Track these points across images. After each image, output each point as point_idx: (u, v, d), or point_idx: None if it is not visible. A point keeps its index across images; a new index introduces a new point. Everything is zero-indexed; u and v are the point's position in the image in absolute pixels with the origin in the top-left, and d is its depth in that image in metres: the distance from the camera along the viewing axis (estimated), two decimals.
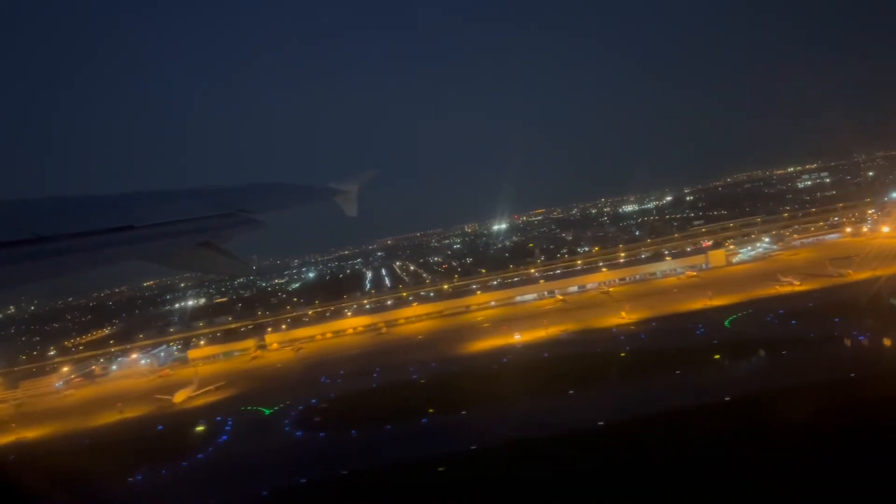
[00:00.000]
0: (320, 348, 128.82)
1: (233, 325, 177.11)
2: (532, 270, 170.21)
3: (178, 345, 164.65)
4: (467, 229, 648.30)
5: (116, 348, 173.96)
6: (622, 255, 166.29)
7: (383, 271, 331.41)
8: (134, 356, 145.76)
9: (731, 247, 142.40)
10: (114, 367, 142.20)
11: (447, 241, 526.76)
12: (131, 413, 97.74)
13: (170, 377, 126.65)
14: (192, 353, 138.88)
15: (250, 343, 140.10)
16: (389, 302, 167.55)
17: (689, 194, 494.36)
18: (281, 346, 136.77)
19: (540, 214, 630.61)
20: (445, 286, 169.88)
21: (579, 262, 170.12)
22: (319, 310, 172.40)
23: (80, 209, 7.66)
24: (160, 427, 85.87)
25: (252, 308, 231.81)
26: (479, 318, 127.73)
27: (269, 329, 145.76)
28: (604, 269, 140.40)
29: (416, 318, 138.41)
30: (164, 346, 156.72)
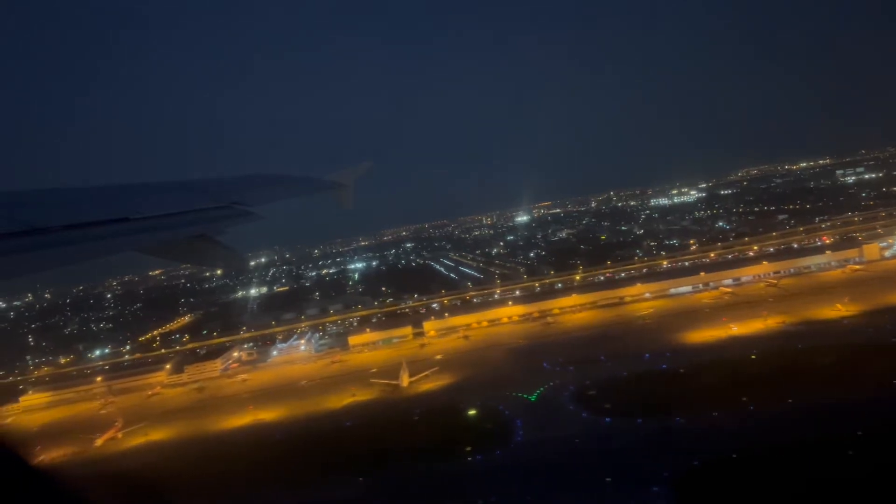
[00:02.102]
0: (489, 336, 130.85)
1: (359, 314, 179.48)
2: (663, 262, 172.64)
3: (309, 332, 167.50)
4: (486, 220, 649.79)
5: (246, 335, 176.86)
6: (753, 248, 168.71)
7: (447, 262, 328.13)
8: (295, 342, 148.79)
9: (890, 241, 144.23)
10: (274, 353, 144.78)
11: (477, 232, 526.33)
12: (363, 396, 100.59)
13: (347, 363, 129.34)
14: (353, 340, 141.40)
15: (407, 330, 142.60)
16: (517, 292, 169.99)
17: (717, 188, 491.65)
18: (439, 333, 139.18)
19: (548, 206, 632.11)
20: (576, 277, 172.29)
21: (712, 254, 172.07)
22: (447, 299, 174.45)
23: (75, 201, 7.76)
24: (417, 410, 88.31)
25: (339, 298, 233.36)
26: (648, 309, 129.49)
27: (431, 316, 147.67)
28: (764, 262, 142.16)
29: (570, 308, 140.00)
30: (309, 334, 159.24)
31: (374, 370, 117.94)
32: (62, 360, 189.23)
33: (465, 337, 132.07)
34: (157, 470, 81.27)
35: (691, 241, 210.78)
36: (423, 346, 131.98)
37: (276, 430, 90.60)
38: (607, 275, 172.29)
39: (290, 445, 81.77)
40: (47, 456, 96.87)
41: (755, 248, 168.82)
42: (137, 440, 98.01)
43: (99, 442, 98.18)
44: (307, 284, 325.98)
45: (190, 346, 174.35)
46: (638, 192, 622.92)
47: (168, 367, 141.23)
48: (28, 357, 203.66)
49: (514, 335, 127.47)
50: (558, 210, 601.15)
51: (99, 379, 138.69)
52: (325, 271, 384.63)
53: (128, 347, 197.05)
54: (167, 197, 9.65)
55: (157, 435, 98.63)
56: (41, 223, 5.99)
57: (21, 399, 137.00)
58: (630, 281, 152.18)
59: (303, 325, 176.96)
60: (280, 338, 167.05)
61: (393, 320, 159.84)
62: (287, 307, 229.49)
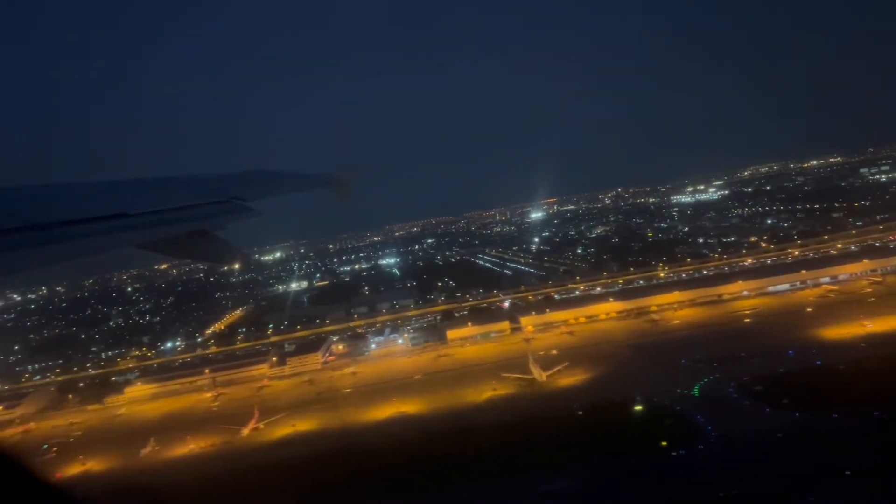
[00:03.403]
0: (596, 332, 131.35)
1: (437, 308, 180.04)
2: (748, 260, 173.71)
3: (391, 326, 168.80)
4: (500, 217, 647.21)
5: (327, 328, 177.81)
6: (837, 245, 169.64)
7: (489, 258, 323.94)
8: (390, 336, 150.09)
9: None
10: (373, 346, 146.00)
11: (498, 228, 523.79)
12: (503, 390, 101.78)
13: (454, 356, 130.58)
14: (451, 334, 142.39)
15: (504, 325, 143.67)
16: (598, 290, 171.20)
17: (734, 186, 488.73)
18: (537, 328, 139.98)
19: (554, 203, 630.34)
20: (659, 273, 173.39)
21: (795, 252, 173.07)
22: (530, 294, 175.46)
23: (73, 197, 7.75)
24: (575, 405, 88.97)
25: (391, 293, 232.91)
26: (754, 307, 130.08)
27: (532, 312, 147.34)
28: (864, 260, 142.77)
29: (668, 305, 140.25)
30: (391, 328, 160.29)
31: (488, 364, 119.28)
32: (135, 353, 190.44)
33: (571, 333, 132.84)
34: (331, 458, 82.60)
35: (752, 239, 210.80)
36: (527, 340, 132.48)
37: (429, 423, 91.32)
38: (688, 272, 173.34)
39: (460, 438, 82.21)
40: (196, 446, 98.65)
41: (839, 245, 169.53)
42: (283, 430, 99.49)
43: (245, 432, 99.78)
44: (346, 279, 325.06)
45: (273, 339, 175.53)
46: (648, 189, 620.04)
47: (274, 359, 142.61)
48: (94, 350, 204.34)
49: (622, 332, 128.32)
50: (571, 207, 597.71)
51: (207, 371, 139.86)
52: (357, 266, 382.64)
53: (199, 341, 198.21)
54: (166, 193, 9.67)
55: (303, 426, 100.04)
56: (40, 219, 6.02)
57: (126, 390, 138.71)
58: (722, 279, 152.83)
59: (379, 319, 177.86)
60: (360, 331, 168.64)
61: (478, 315, 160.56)
62: (338, 301, 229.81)
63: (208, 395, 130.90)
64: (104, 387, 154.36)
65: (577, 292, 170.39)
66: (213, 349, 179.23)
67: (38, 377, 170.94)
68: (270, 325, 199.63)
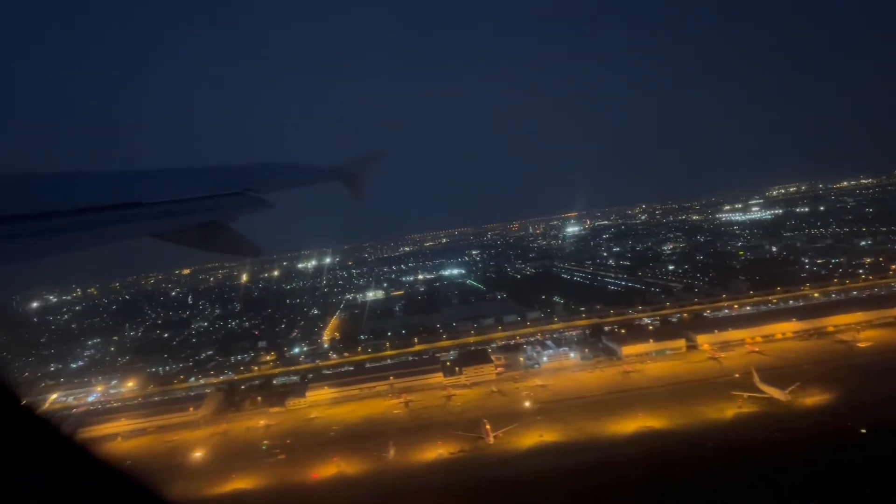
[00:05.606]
0: (787, 351, 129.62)
1: (579, 322, 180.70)
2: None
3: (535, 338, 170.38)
4: (535, 230, 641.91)
5: (469, 339, 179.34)
6: None
7: (577, 272, 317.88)
8: (562, 349, 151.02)
9: None
10: (544, 359, 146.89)
11: (542, 241, 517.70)
12: (748, 409, 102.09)
13: (643, 372, 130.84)
14: (626, 350, 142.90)
15: (681, 343, 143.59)
16: (748, 308, 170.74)
17: (779, 205, 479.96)
18: (714, 347, 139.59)
19: (575, 216, 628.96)
20: (816, 292, 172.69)
21: None
22: (671, 312, 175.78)
23: (87, 185, 7.67)
24: (848, 424, 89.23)
25: (484, 305, 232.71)
26: None
27: (715, 330, 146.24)
28: None
29: (847, 326, 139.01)
30: (564, 342, 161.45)
31: (691, 382, 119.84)
32: (267, 358, 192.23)
33: (760, 352, 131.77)
34: (608, 468, 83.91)
35: (867, 260, 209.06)
36: (714, 359, 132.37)
37: (689, 439, 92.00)
38: (835, 291, 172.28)
39: (744, 454, 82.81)
40: (445, 451, 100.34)
41: None
42: (530, 440, 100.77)
43: (490, 440, 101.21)
44: (421, 289, 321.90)
45: (418, 347, 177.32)
46: (675, 206, 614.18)
47: (457, 368, 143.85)
48: (210, 354, 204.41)
49: (817, 352, 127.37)
50: (606, 221, 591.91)
51: (391, 378, 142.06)
52: (419, 276, 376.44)
53: (325, 347, 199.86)
54: (179, 183, 9.66)
55: (548, 437, 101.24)
56: (53, 207, 6.02)
57: (307, 394, 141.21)
58: (886, 300, 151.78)
59: (520, 331, 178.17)
60: (503, 343, 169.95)
61: (634, 332, 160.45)
62: (434, 312, 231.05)
63: (395, 401, 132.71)
64: (265, 389, 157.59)
65: (728, 311, 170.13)
66: (351, 356, 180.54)
67: (192, 380, 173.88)
68: (388, 333, 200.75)
